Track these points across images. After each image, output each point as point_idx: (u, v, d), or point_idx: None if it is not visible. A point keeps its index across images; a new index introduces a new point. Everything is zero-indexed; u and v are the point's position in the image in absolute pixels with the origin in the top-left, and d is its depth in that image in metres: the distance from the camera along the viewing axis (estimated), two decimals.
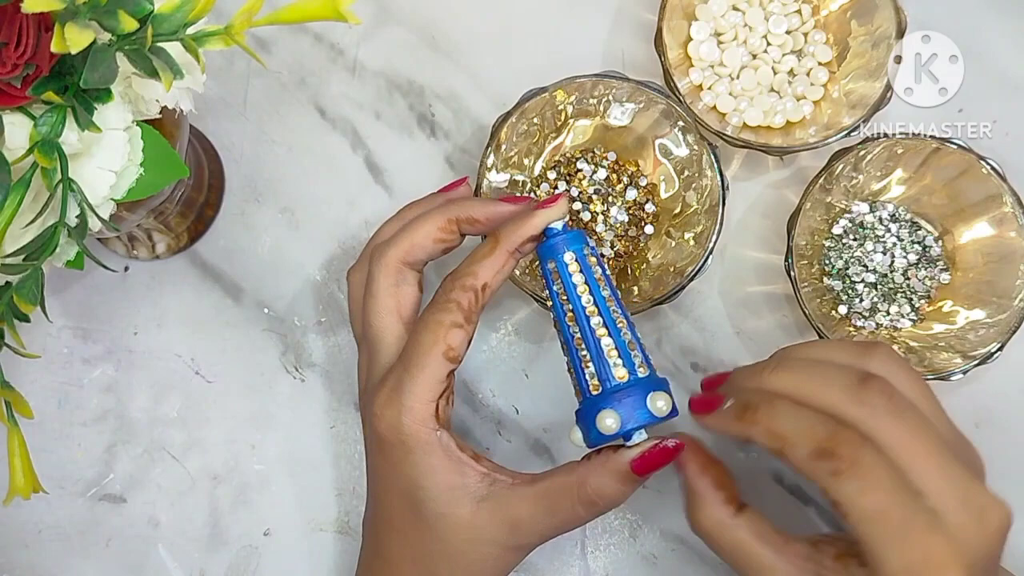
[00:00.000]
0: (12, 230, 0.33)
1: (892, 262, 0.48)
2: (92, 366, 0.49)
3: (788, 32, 0.50)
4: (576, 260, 0.37)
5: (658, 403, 0.35)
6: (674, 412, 0.35)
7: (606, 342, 0.35)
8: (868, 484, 0.31)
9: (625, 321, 0.36)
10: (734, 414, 0.35)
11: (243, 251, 0.50)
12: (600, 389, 0.35)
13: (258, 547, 0.48)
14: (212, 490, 0.48)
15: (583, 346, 0.36)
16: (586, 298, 0.36)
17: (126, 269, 0.50)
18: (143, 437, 0.48)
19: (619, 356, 0.35)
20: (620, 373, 0.35)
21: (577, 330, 0.36)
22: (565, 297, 0.36)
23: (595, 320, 0.36)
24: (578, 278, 0.36)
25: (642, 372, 0.35)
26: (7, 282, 0.33)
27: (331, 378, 0.49)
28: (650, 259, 0.49)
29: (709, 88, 0.50)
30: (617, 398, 0.35)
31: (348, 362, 0.49)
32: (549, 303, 0.37)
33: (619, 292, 0.37)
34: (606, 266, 0.37)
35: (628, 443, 0.35)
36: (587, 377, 0.36)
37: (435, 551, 0.37)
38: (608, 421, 0.34)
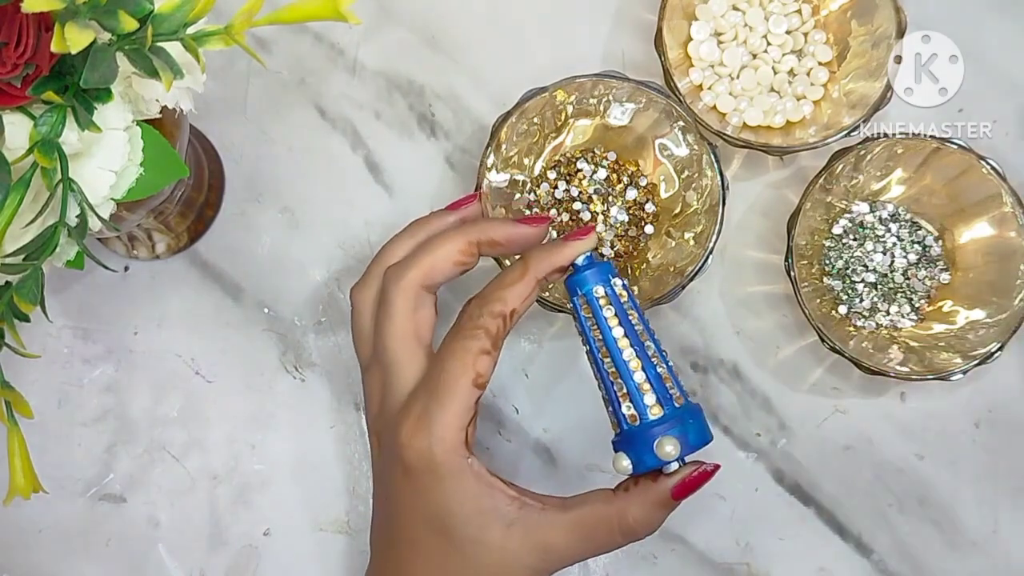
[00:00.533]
0: (12, 230, 0.33)
1: (892, 262, 0.48)
2: (92, 366, 0.49)
3: (788, 32, 0.50)
4: (606, 293, 0.37)
5: (706, 429, 0.36)
6: (711, 435, 0.37)
7: (639, 376, 0.36)
8: None
9: (658, 355, 0.37)
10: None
11: (243, 251, 0.50)
12: (639, 421, 0.36)
13: (258, 547, 0.48)
14: (212, 490, 0.48)
15: (619, 378, 0.36)
16: (617, 330, 0.36)
17: (126, 269, 0.50)
18: (143, 437, 0.48)
19: (652, 389, 0.36)
20: (656, 410, 0.36)
21: (611, 363, 0.36)
22: (597, 330, 0.37)
23: (627, 352, 0.36)
24: (608, 311, 0.37)
25: (678, 402, 0.36)
26: (7, 282, 0.33)
27: (331, 378, 0.49)
28: (650, 259, 0.48)
29: (709, 88, 0.50)
30: (664, 429, 0.35)
31: (348, 362, 0.49)
32: (583, 341, 0.38)
33: (648, 319, 0.38)
34: (634, 296, 0.38)
35: (666, 471, 0.36)
36: (623, 410, 0.36)
37: (463, 575, 0.37)
38: (668, 448, 0.35)
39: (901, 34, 0.46)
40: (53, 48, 0.28)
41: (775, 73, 0.50)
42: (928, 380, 0.45)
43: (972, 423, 0.49)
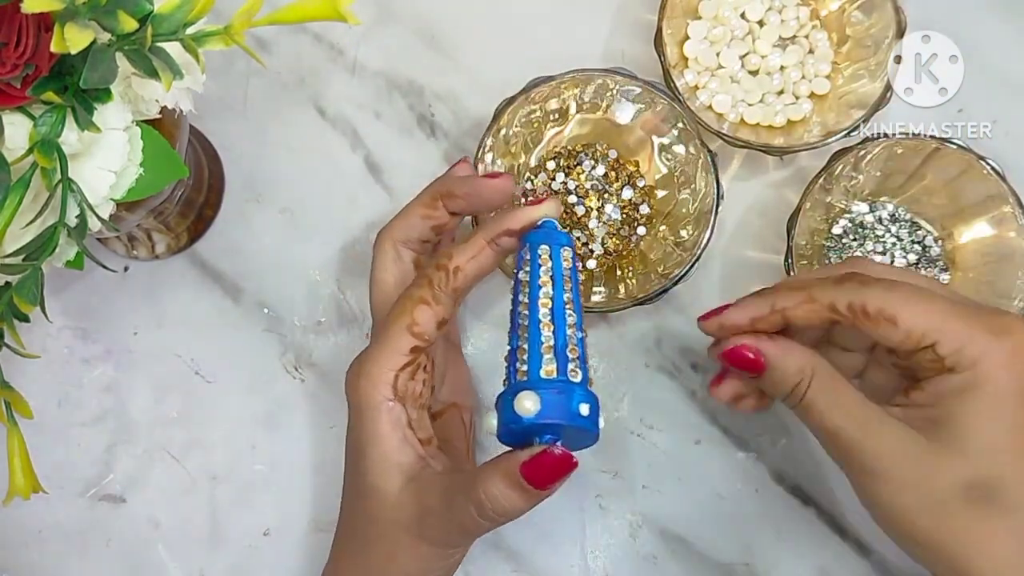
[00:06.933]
0: (12, 230, 0.33)
1: (892, 262, 0.48)
2: (92, 366, 0.49)
3: (788, 34, 0.50)
4: (550, 256, 0.36)
5: (583, 408, 0.33)
6: (593, 424, 0.34)
7: (546, 335, 0.35)
8: (896, 283, 0.34)
9: (575, 328, 0.35)
10: (751, 295, 0.37)
11: (243, 251, 0.50)
12: (527, 378, 0.34)
13: (258, 547, 0.48)
14: (212, 490, 0.48)
15: (525, 335, 0.35)
16: (545, 291, 0.36)
17: (126, 269, 0.50)
18: (143, 437, 0.48)
19: (554, 353, 0.34)
20: (549, 368, 0.34)
21: (526, 318, 0.35)
22: (527, 285, 0.36)
23: (543, 312, 0.35)
24: (545, 269, 0.36)
25: (574, 377, 0.34)
26: (7, 282, 0.33)
27: (331, 378, 0.49)
28: (639, 259, 0.49)
29: (707, 88, 0.50)
30: (542, 386, 0.33)
31: (348, 362, 0.49)
32: (512, 293, 0.37)
33: (582, 302, 0.37)
34: (579, 277, 0.37)
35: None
36: (517, 364, 0.35)
37: (366, 527, 0.37)
38: (527, 403, 0.33)
39: (901, 34, 0.46)
40: (53, 48, 0.28)
41: (774, 73, 0.50)
42: None
43: None
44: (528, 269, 0.36)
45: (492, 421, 0.35)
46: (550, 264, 0.36)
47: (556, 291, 0.36)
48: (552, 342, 0.35)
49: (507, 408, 0.34)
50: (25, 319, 0.34)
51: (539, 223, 0.37)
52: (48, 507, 0.48)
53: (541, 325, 0.35)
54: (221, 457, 0.48)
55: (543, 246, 0.36)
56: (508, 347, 0.36)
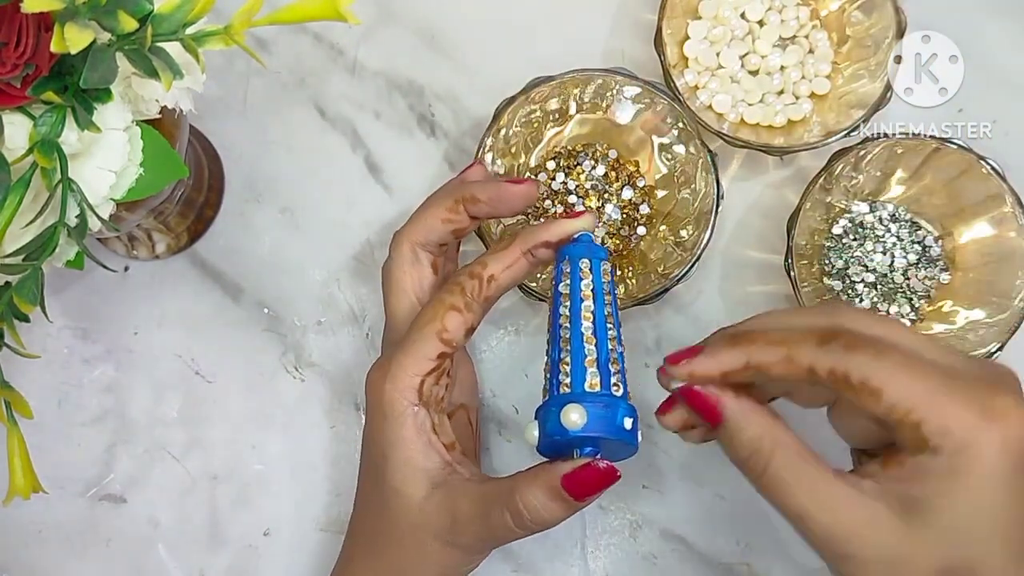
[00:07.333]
0: (12, 230, 0.33)
1: (892, 262, 0.48)
2: (92, 366, 0.49)
3: (788, 34, 0.50)
4: (591, 269, 0.37)
5: (627, 422, 0.34)
6: (634, 438, 0.34)
7: (589, 349, 0.35)
8: (885, 349, 0.30)
9: (616, 341, 0.36)
10: (726, 342, 0.33)
11: (243, 251, 0.50)
12: (571, 390, 0.35)
13: (258, 547, 0.48)
14: (212, 490, 0.48)
15: (567, 347, 0.35)
16: (586, 304, 0.36)
17: (126, 269, 0.50)
18: (143, 437, 0.48)
19: (597, 367, 0.35)
20: (593, 381, 0.34)
21: (568, 331, 0.36)
22: (568, 299, 0.36)
23: (586, 325, 0.35)
24: (586, 283, 0.36)
25: (616, 391, 0.35)
26: (7, 282, 0.33)
27: (331, 378, 0.49)
28: (639, 259, 0.49)
29: (707, 88, 0.50)
30: (587, 400, 0.34)
31: (348, 362, 0.49)
32: (550, 306, 0.37)
33: (620, 317, 0.37)
34: (617, 292, 0.37)
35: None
36: (560, 377, 0.35)
37: (386, 530, 0.37)
38: (574, 416, 0.33)
39: (901, 34, 0.46)
40: (53, 48, 0.28)
41: (774, 73, 0.50)
42: None
43: None
44: (568, 282, 0.36)
45: (533, 432, 0.35)
46: (591, 278, 0.36)
47: (597, 305, 0.36)
48: (595, 356, 0.35)
49: (551, 420, 0.34)
50: (25, 319, 0.34)
51: (576, 236, 0.37)
52: (48, 507, 0.48)
53: (584, 339, 0.35)
54: (221, 457, 0.48)
55: (584, 259, 0.37)
56: (547, 359, 0.36)
